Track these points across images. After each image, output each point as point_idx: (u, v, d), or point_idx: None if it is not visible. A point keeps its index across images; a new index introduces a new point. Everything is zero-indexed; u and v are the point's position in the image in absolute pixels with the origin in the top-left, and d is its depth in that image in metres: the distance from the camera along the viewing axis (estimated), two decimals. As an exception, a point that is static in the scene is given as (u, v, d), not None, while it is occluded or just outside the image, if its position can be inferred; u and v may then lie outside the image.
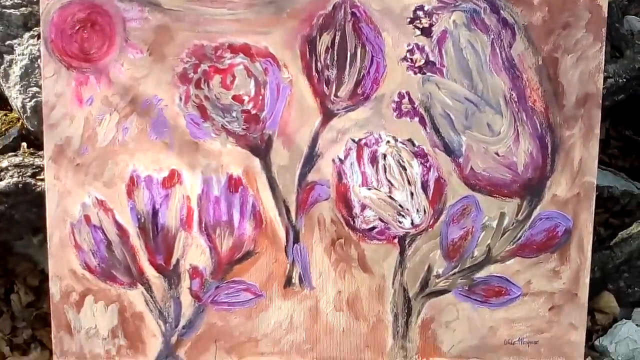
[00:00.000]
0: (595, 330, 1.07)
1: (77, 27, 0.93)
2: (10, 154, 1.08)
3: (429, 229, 0.97)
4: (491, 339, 1.00)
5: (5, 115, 1.24)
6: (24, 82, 1.08)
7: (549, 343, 1.01)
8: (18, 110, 1.13)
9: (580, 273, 0.99)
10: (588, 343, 1.05)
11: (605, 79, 1.17)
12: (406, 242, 0.97)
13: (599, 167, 1.38)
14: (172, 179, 0.95)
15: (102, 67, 0.93)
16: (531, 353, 1.01)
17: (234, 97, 0.94)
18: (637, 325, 1.06)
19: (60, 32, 0.93)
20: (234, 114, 0.94)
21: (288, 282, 0.98)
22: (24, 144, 1.14)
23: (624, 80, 1.17)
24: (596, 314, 1.07)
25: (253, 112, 0.94)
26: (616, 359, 1.04)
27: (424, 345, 1.00)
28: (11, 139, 1.16)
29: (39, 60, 1.06)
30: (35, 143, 1.15)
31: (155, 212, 0.96)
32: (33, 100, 1.08)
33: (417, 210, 0.97)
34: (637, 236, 1.09)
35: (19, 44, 1.08)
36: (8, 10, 1.07)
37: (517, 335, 1.00)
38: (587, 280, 0.99)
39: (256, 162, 0.95)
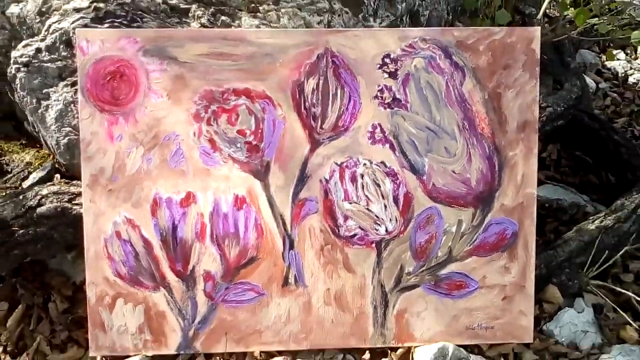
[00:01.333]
0: (543, 317, 1.26)
1: (109, 78, 1.14)
2: (48, 183, 1.28)
3: (400, 235, 1.18)
4: (455, 325, 1.20)
5: (37, 152, 1.44)
6: (58, 124, 1.28)
7: (503, 328, 1.21)
8: (52, 147, 1.33)
9: (527, 268, 1.20)
10: (537, 328, 1.25)
11: (545, 108, 1.40)
12: (382, 246, 1.18)
13: (551, 183, 1.62)
14: (188, 200, 1.16)
15: (130, 110, 1.14)
16: (488, 336, 1.21)
17: (238, 132, 1.15)
18: (577, 312, 1.26)
19: (95, 82, 1.14)
20: (238, 145, 1.15)
21: (285, 282, 1.18)
22: (57, 175, 1.34)
23: (562, 108, 1.40)
24: (544, 303, 1.27)
25: (254, 143, 1.15)
26: (560, 340, 1.23)
27: (399, 332, 1.20)
28: (46, 172, 1.36)
29: (71, 105, 1.26)
30: (66, 174, 1.35)
31: (174, 227, 1.16)
32: (66, 139, 1.28)
33: (390, 220, 1.18)
34: (576, 238, 1.30)
35: (54, 92, 1.28)
36: (45, 64, 1.28)
37: (476, 322, 1.21)
38: (533, 274, 1.20)
39: (257, 184, 1.16)
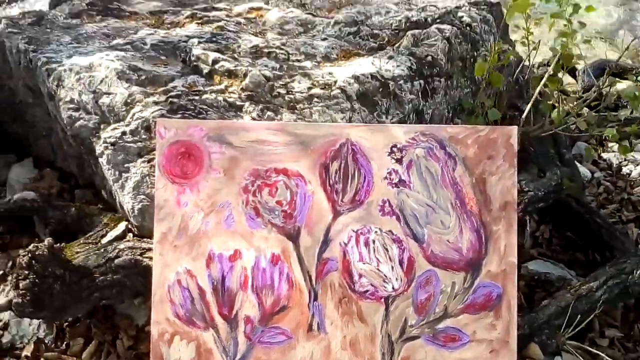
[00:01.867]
0: (526, 372, 1.49)
1: (179, 157, 1.47)
2: (124, 240, 1.60)
3: (404, 292, 1.45)
4: (450, 371, 1.44)
5: (113, 215, 1.77)
6: (134, 192, 1.62)
7: (491, 375, 1.44)
8: (127, 211, 1.65)
9: (510, 326, 1.44)
10: (522, 380, 1.47)
11: (527, 192, 1.68)
12: (389, 301, 1.45)
13: (542, 258, 1.87)
14: (235, 256, 1.46)
15: (194, 182, 1.47)
16: (479, 382, 1.44)
17: (277, 202, 1.46)
18: (556, 367, 1.48)
19: (169, 160, 1.47)
20: (276, 213, 1.46)
21: (310, 328, 1.44)
22: (130, 234, 1.66)
23: (542, 193, 1.68)
24: (527, 359, 1.50)
25: (288, 211, 1.46)
26: (541, 390, 1.46)
27: (403, 375, 1.44)
28: (120, 231, 1.69)
29: (146, 177, 1.60)
30: (136, 234, 1.67)
31: (223, 278, 1.45)
32: (140, 204, 1.61)
33: (396, 279, 1.45)
34: (554, 304, 1.54)
35: (133, 166, 1.62)
36: (128, 144, 1.63)
37: (468, 370, 1.44)
38: (515, 331, 1.44)
39: (290, 245, 1.45)
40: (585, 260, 1.84)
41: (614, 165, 2.46)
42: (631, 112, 1.93)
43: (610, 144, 2.57)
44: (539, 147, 1.88)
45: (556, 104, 1.94)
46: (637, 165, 2.49)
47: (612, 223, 1.86)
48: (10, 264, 1.86)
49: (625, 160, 2.51)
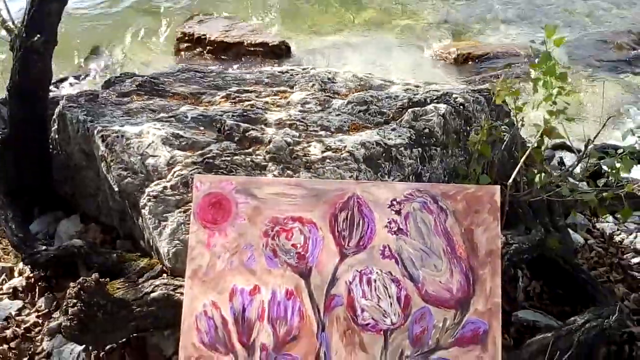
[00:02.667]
0: (512, 402, 1.65)
1: (212, 206, 1.75)
2: (159, 278, 1.85)
3: (402, 326, 1.65)
4: (442, 399, 1.61)
5: (150, 259, 2.03)
6: (170, 238, 1.88)
7: (480, 404, 1.60)
8: (162, 255, 1.91)
9: (496, 359, 1.62)
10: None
11: (513, 244, 1.90)
12: (388, 333, 1.65)
13: (532, 309, 2.05)
14: (255, 291, 1.68)
15: (223, 228, 1.73)
16: (469, 411, 1.60)
17: (292, 245, 1.70)
18: (540, 399, 1.64)
19: (203, 209, 1.74)
20: (291, 254, 1.70)
21: (317, 357, 1.64)
22: (164, 275, 1.91)
23: (527, 246, 1.89)
24: (513, 392, 1.67)
25: (302, 253, 1.70)
26: (526, 420, 1.61)
27: (400, 402, 1.61)
28: (156, 273, 1.93)
29: (181, 225, 1.87)
30: (168, 274, 1.91)
31: (244, 310, 1.67)
32: (174, 248, 1.87)
33: (394, 314, 1.65)
34: (537, 342, 1.72)
35: (171, 216, 1.89)
36: (168, 197, 1.91)
37: (459, 398, 1.61)
38: (501, 364, 1.62)
39: (302, 282, 1.68)
40: (572, 313, 2.01)
41: (607, 234, 2.66)
42: (609, 181, 2.15)
43: (604, 215, 2.77)
44: (527, 210, 2.11)
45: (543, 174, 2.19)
46: (630, 234, 2.69)
47: (596, 279, 2.05)
48: (54, 304, 2.10)
49: (618, 230, 2.71)
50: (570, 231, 2.51)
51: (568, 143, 3.29)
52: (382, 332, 1.65)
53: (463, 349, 1.63)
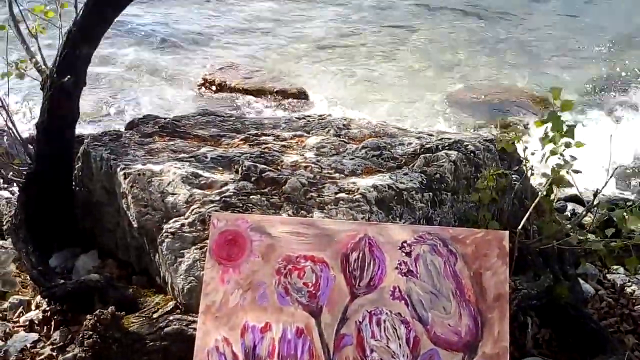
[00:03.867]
0: None
1: (227, 243, 1.80)
2: (173, 313, 1.89)
3: (410, 367, 1.67)
4: None
5: (165, 295, 2.07)
6: (186, 274, 1.93)
7: None
8: (177, 291, 1.95)
9: (504, 402, 1.63)
10: None
11: (521, 289, 1.92)
12: (397, 374, 1.66)
13: (540, 357, 2.05)
14: (266, 328, 1.72)
15: (237, 264, 1.78)
16: None
17: (304, 284, 1.74)
18: None
19: (218, 245, 1.80)
20: (303, 293, 1.74)
21: (326, 394, 1.66)
22: (177, 310, 1.95)
23: (535, 292, 1.92)
24: None
25: (313, 292, 1.74)
26: None
27: None
28: (170, 308, 1.97)
29: (197, 262, 1.92)
30: (182, 310, 1.95)
31: (254, 346, 1.70)
32: (189, 285, 1.91)
33: (403, 355, 1.67)
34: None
35: (187, 252, 1.95)
36: (185, 234, 1.97)
37: None
38: (509, 408, 1.62)
39: (313, 321, 1.71)
40: (581, 360, 2.02)
41: (618, 285, 2.66)
42: (617, 231, 2.18)
43: (615, 267, 2.78)
44: (536, 258, 2.14)
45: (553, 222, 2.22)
46: (641, 285, 2.69)
47: (606, 329, 2.05)
48: (69, 337, 2.14)
49: (629, 281, 2.71)
50: (581, 281, 2.52)
51: (579, 195, 3.34)
52: (390, 373, 1.66)
53: (471, 391, 1.64)
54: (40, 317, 2.21)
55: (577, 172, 2.23)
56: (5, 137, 3.27)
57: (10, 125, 2.79)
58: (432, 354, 1.68)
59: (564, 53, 7.10)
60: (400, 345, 1.68)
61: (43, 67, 2.62)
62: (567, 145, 2.15)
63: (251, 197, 2.01)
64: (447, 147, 2.33)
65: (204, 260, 1.83)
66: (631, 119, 5.62)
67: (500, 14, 8.11)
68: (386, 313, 1.71)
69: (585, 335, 2.00)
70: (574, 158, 2.21)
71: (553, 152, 2.13)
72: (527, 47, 7.22)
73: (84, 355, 1.70)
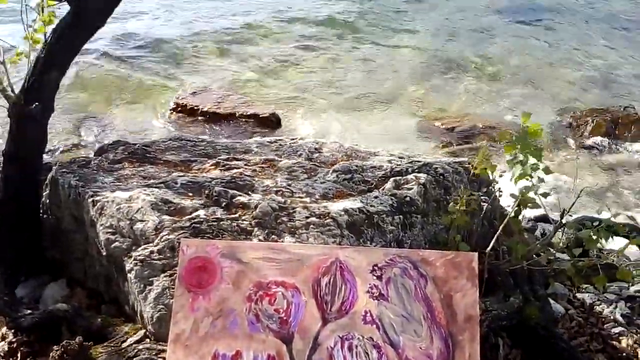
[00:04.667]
0: None
1: (197, 270, 1.78)
2: (142, 342, 1.85)
3: (383, 392, 1.66)
4: None
5: (134, 324, 2.04)
6: (155, 302, 1.90)
7: None
8: (146, 320, 1.92)
9: None
10: None
11: (492, 311, 1.94)
12: (369, 399, 1.65)
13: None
14: (237, 356, 1.69)
15: (207, 291, 1.76)
16: None
17: (275, 310, 1.73)
18: None
19: (188, 272, 1.78)
20: (274, 319, 1.72)
21: (298, 422, 1.64)
22: (147, 339, 1.91)
23: (505, 312, 1.93)
24: None
25: (285, 318, 1.73)
26: None
27: None
28: (139, 337, 1.94)
29: (166, 290, 1.89)
30: (152, 338, 1.92)
31: (225, 374, 1.68)
32: (158, 313, 1.88)
33: (376, 380, 1.67)
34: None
35: (157, 280, 1.92)
36: (155, 261, 1.95)
37: None
38: None
39: (284, 347, 1.70)
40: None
41: (587, 304, 2.70)
42: (585, 250, 2.22)
43: (584, 286, 2.82)
44: (506, 279, 2.17)
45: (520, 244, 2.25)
46: (610, 304, 2.73)
47: (576, 348, 2.07)
48: (36, 370, 2.08)
49: (598, 300, 2.75)
50: (551, 301, 2.55)
51: (549, 215, 3.41)
52: (363, 398, 1.65)
53: (443, 416, 1.64)
54: (6, 348, 2.14)
55: (545, 195, 2.28)
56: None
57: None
58: (404, 378, 1.68)
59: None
60: (372, 369, 1.68)
61: (10, 93, 2.59)
62: (535, 167, 2.20)
63: (221, 222, 2.00)
64: (416, 170, 2.36)
65: (173, 288, 1.80)
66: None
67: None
68: (358, 338, 1.71)
69: (556, 355, 2.02)
70: (541, 180, 2.26)
71: (521, 175, 2.17)
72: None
73: (50, 387, 1.66)
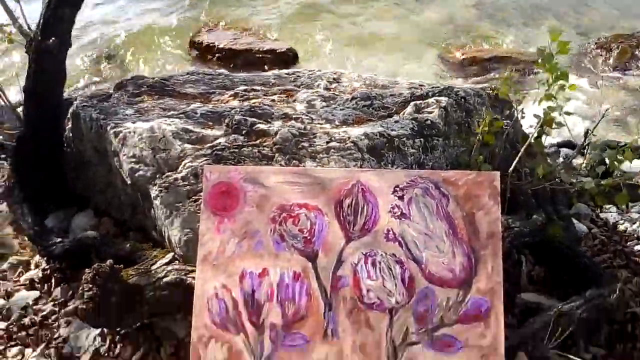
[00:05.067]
0: (515, 377, 1.69)
1: (221, 195, 1.81)
2: (171, 264, 1.91)
3: (406, 305, 1.70)
4: (446, 376, 1.66)
5: (162, 248, 2.09)
6: (182, 226, 1.94)
7: (482, 380, 1.65)
8: (174, 243, 1.97)
9: (498, 335, 1.67)
10: (511, 384, 1.67)
11: (514, 228, 1.95)
12: (393, 312, 1.70)
13: (535, 292, 2.09)
14: (263, 274, 1.75)
15: (232, 215, 1.79)
16: (472, 386, 1.65)
17: (299, 230, 1.76)
18: (540, 374, 1.69)
19: (212, 197, 1.81)
20: (298, 239, 1.76)
21: (325, 335, 1.69)
22: (176, 262, 1.97)
23: (527, 230, 1.95)
24: (516, 368, 1.71)
25: (308, 237, 1.76)
26: (528, 391, 1.65)
27: (406, 378, 1.66)
28: (167, 260, 2.00)
29: (192, 215, 1.93)
30: (180, 261, 1.98)
31: (253, 292, 1.73)
32: (185, 237, 1.93)
33: (399, 294, 1.71)
34: (540, 320, 1.77)
35: (182, 205, 1.96)
36: (179, 188, 1.98)
37: (462, 374, 1.66)
38: (502, 340, 1.66)
39: (309, 265, 1.74)
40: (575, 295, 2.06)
41: (610, 223, 2.70)
42: (608, 169, 2.20)
43: (607, 206, 2.82)
44: (529, 199, 2.17)
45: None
46: (633, 223, 2.73)
47: (597, 263, 2.09)
48: (70, 293, 2.17)
49: (621, 219, 2.75)
50: (574, 221, 2.55)
51: (572, 140, 3.37)
52: (387, 311, 1.70)
53: (466, 326, 1.68)
54: (40, 275, 2.24)
55: (569, 113, 2.24)
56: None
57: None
58: (427, 292, 1.71)
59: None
60: (396, 284, 1.72)
61: (27, 30, 2.59)
62: (561, 87, 2.16)
63: (242, 149, 2.02)
64: (437, 94, 2.33)
65: (199, 212, 1.84)
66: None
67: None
68: (381, 254, 1.74)
69: (579, 271, 2.04)
70: (567, 99, 2.22)
71: (547, 96, 2.13)
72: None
73: (84, 307, 1.73)
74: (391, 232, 1.75)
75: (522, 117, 2.29)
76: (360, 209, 1.77)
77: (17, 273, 2.27)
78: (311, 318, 1.71)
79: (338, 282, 1.73)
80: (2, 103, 2.82)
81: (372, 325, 1.69)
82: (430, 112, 2.20)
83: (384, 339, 1.68)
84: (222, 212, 1.80)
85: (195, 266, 1.79)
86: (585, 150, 2.56)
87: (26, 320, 2.01)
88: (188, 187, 1.98)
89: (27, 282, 2.21)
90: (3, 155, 2.99)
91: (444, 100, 2.26)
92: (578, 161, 2.79)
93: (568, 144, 3.57)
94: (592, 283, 1.96)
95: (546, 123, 2.12)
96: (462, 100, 2.32)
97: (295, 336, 1.70)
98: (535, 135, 2.19)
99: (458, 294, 1.70)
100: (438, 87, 2.48)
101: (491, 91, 2.59)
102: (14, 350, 1.90)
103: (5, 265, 2.30)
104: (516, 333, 1.73)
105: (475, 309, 1.69)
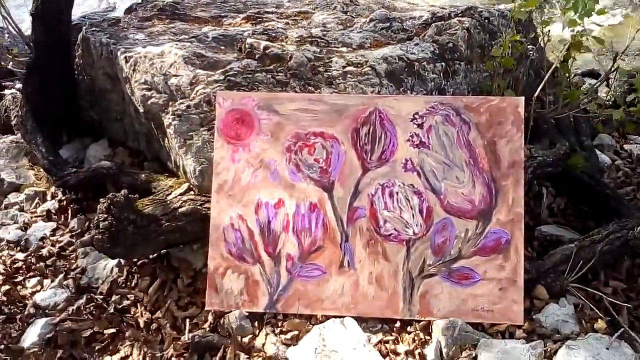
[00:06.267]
0: (533, 309, 1.67)
1: (235, 122, 1.76)
2: (187, 194, 1.89)
3: (424, 236, 1.68)
4: (463, 306, 1.65)
5: (177, 178, 2.07)
6: (196, 156, 1.90)
7: (500, 311, 1.64)
8: (189, 173, 1.94)
9: (517, 267, 1.65)
10: (528, 316, 1.66)
11: (537, 157, 1.89)
12: (410, 243, 1.68)
13: (556, 225, 2.05)
14: (279, 204, 1.72)
15: (246, 143, 1.75)
16: (489, 317, 1.64)
17: (315, 160, 1.72)
18: (560, 306, 1.67)
19: (226, 125, 1.76)
20: (314, 169, 1.72)
21: (341, 265, 1.69)
22: (191, 192, 1.95)
23: (550, 159, 1.88)
24: (534, 299, 1.69)
25: (324, 167, 1.72)
26: (545, 325, 1.64)
27: (422, 308, 1.65)
28: (183, 190, 1.98)
29: (207, 143, 1.89)
30: (195, 191, 1.95)
31: (269, 222, 1.72)
32: (200, 166, 1.89)
33: (416, 225, 1.68)
34: (560, 252, 1.73)
35: (196, 134, 1.92)
36: (192, 116, 1.93)
37: (480, 305, 1.64)
38: (522, 272, 1.64)
39: (325, 195, 1.71)
40: (596, 228, 2.01)
41: (635, 155, 2.62)
42: (634, 99, 2.10)
43: (632, 137, 2.72)
44: (552, 128, 2.09)
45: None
46: (658, 155, 2.64)
47: (620, 195, 2.03)
48: (87, 224, 2.17)
49: (646, 150, 2.66)
50: (598, 152, 2.47)
51: (596, 70, 3.22)
52: (404, 242, 1.68)
53: (485, 258, 1.66)
54: (57, 206, 2.24)
55: (600, 40, 2.11)
56: (6, 35, 3.16)
57: (4, 14, 2.68)
58: (445, 223, 1.68)
59: None
60: (413, 215, 1.69)
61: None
62: (588, 13, 2.02)
63: (256, 74, 1.94)
64: (459, 15, 2.20)
65: (213, 141, 1.80)
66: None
67: None
68: (399, 185, 1.70)
69: (601, 203, 1.99)
70: (596, 25, 2.09)
71: (573, 22, 2.01)
72: None
73: (100, 237, 1.73)
74: (409, 162, 1.70)
75: (549, 41, 2.16)
76: (377, 138, 1.72)
77: (34, 204, 2.27)
78: (327, 249, 1.69)
79: (355, 213, 1.70)
80: (12, 29, 2.74)
81: (389, 256, 1.68)
82: (452, 34, 2.09)
83: (400, 271, 1.67)
84: (236, 141, 1.76)
85: (210, 196, 1.77)
86: (614, 77, 2.43)
87: (44, 252, 2.03)
88: (201, 114, 1.92)
89: (44, 213, 2.21)
90: (18, 86, 2.94)
91: (466, 21, 2.14)
92: (603, 94, 2.67)
93: (592, 74, 3.41)
94: (614, 215, 1.91)
95: (573, 47, 2.01)
96: (486, 21, 2.20)
97: (311, 267, 1.70)
98: (562, 59, 2.07)
99: (477, 225, 1.67)
100: (460, 7, 2.35)
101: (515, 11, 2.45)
102: (33, 281, 1.93)
103: (21, 197, 2.30)
104: (535, 266, 1.70)
105: (495, 240, 1.66)
